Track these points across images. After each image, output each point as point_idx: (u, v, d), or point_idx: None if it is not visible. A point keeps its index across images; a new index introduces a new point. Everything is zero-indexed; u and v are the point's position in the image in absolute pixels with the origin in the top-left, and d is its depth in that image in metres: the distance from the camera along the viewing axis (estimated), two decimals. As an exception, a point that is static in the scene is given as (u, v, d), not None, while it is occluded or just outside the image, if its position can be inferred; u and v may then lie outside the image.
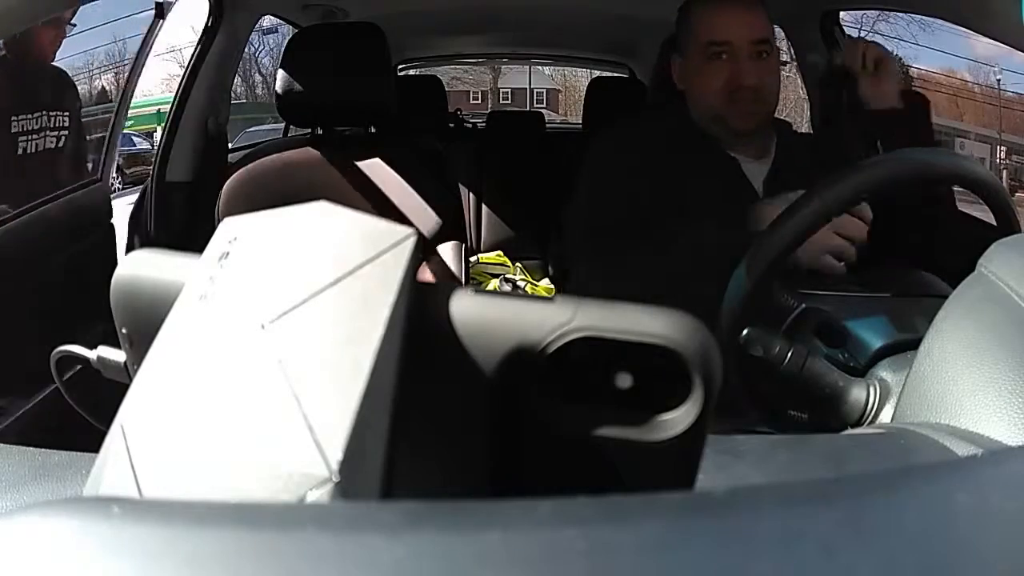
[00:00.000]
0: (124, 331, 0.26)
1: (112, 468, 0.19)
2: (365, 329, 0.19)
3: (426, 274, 1.32)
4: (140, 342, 0.24)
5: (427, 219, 1.38)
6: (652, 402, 0.20)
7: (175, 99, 1.64)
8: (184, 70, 1.67)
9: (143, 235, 1.57)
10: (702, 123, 1.10)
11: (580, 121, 2.73)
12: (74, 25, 1.59)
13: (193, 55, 1.65)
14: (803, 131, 1.71)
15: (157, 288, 0.24)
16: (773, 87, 1.07)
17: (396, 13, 1.96)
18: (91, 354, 0.34)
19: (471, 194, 2.32)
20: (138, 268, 0.25)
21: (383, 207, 1.35)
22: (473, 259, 2.13)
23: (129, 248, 1.58)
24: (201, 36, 1.65)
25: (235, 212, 0.22)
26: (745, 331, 0.65)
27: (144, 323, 0.23)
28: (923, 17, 1.56)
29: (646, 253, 0.99)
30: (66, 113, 1.48)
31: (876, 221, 0.95)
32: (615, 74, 3.10)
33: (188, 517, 0.15)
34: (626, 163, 1.09)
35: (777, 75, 1.08)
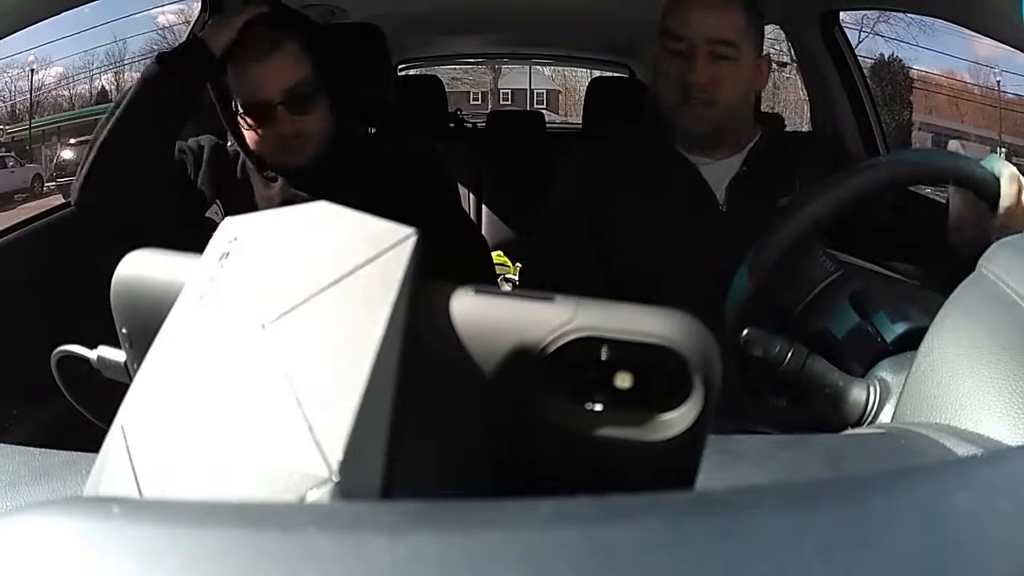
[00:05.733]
0: (124, 331, 0.26)
1: (112, 468, 0.19)
2: (365, 329, 0.19)
3: None
4: (140, 342, 0.24)
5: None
6: (652, 402, 0.20)
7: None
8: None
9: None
10: (663, 124, 1.06)
11: (580, 122, 2.73)
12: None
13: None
14: (797, 129, 1.68)
15: (157, 288, 0.24)
16: (728, 92, 1.01)
17: (396, 13, 1.96)
18: (91, 354, 0.34)
19: (471, 194, 2.32)
20: (138, 268, 0.25)
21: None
22: (473, 259, 2.13)
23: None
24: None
25: None
26: (745, 331, 0.65)
27: (144, 323, 0.23)
28: (923, 18, 1.56)
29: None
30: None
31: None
32: (615, 74, 3.09)
33: (188, 517, 0.15)
34: (583, 187, 1.08)
35: (737, 82, 1.01)
